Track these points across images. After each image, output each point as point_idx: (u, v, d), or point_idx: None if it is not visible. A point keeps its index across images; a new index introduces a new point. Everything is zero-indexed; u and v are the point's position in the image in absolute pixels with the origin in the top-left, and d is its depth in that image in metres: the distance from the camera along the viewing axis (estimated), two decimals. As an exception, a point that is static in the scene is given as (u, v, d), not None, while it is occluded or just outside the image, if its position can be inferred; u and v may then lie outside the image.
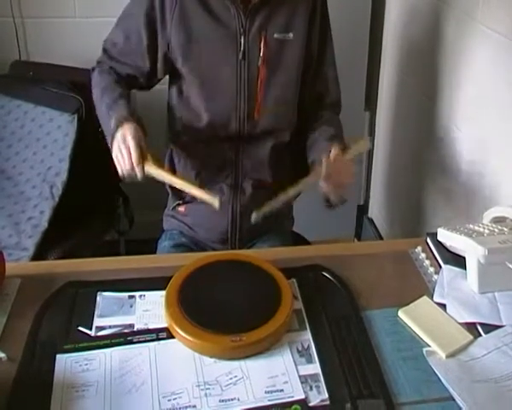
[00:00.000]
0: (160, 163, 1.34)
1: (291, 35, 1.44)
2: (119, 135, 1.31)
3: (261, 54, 1.43)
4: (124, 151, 1.29)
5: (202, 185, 1.43)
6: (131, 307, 1.14)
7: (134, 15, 1.45)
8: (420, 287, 1.22)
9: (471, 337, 1.07)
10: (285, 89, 1.48)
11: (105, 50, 1.52)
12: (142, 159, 1.29)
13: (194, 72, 1.44)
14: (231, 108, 1.45)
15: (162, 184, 1.62)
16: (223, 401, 0.95)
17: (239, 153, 1.52)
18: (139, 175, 1.29)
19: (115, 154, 1.32)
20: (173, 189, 1.61)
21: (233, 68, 1.43)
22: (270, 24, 1.43)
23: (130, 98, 1.46)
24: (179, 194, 1.60)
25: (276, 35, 1.43)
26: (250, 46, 1.43)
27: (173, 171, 1.61)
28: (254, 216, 1.27)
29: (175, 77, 1.51)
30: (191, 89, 1.46)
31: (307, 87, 1.53)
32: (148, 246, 1.61)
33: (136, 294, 1.17)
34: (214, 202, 1.18)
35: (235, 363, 1.02)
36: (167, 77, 1.55)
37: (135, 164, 1.28)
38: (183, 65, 1.45)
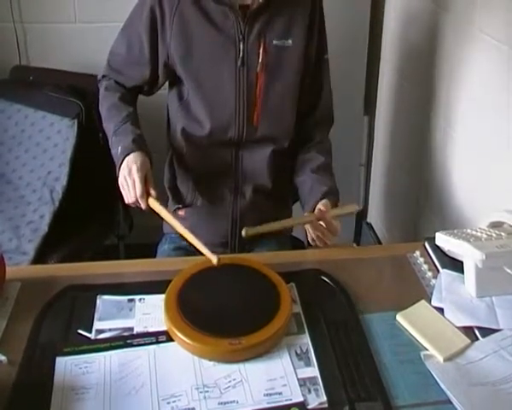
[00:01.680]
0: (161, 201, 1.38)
1: (290, 42, 1.45)
2: (125, 165, 1.35)
3: (260, 60, 1.44)
4: (129, 183, 1.33)
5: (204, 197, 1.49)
6: (131, 310, 1.15)
7: (136, 25, 1.47)
8: (418, 291, 1.22)
9: (468, 341, 1.08)
10: (284, 95, 1.49)
11: (109, 63, 1.55)
12: (147, 194, 1.33)
13: (194, 78, 1.45)
14: (231, 114, 1.46)
15: (162, 187, 1.63)
16: (222, 403, 0.96)
17: (239, 158, 1.52)
18: (143, 207, 1.33)
19: (121, 183, 1.36)
20: (173, 192, 1.62)
21: (232, 75, 1.44)
22: (269, 30, 1.44)
23: (136, 116, 1.49)
24: (179, 198, 1.61)
25: (275, 42, 1.44)
26: (249, 53, 1.43)
27: (173, 176, 1.62)
28: (244, 231, 1.28)
29: (174, 83, 1.52)
30: (190, 95, 1.47)
31: (304, 94, 1.54)
32: (147, 250, 1.61)
33: (136, 297, 1.18)
34: (213, 259, 1.20)
35: (234, 366, 1.02)
36: (167, 83, 1.56)
37: (139, 198, 1.32)
38: (183, 71, 1.45)
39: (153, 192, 1.34)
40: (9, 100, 2.09)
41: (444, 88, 1.89)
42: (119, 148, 1.38)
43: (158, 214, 1.34)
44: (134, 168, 1.33)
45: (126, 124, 1.43)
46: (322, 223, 1.35)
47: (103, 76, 1.57)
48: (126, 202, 1.36)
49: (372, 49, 2.47)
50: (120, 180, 1.36)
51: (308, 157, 1.55)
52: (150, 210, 1.34)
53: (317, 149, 1.56)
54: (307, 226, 1.39)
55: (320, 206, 1.37)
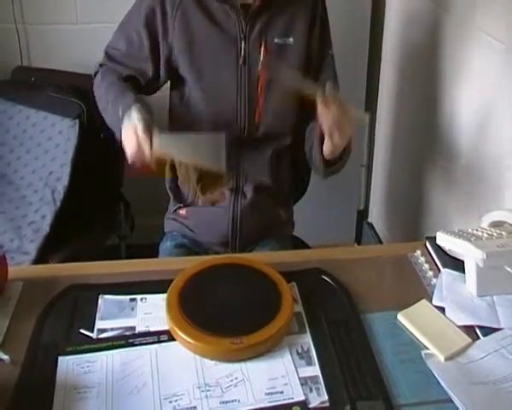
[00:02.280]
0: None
1: (291, 40, 1.46)
2: (126, 119, 1.30)
3: (261, 59, 1.44)
4: (130, 131, 1.28)
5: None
6: (133, 309, 1.15)
7: (135, 22, 1.47)
8: (419, 290, 1.22)
9: (469, 340, 1.08)
10: (285, 93, 1.49)
11: (107, 54, 1.53)
12: (151, 138, 1.27)
13: (195, 76, 1.46)
14: (232, 113, 1.47)
15: (163, 188, 1.64)
16: (223, 402, 0.96)
17: (240, 157, 1.53)
18: (146, 152, 1.26)
19: (124, 138, 1.30)
20: (174, 192, 1.62)
21: (234, 73, 1.44)
22: (271, 29, 1.44)
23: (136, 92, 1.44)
24: (180, 197, 1.61)
25: (276, 40, 1.45)
26: (250, 51, 1.44)
27: (175, 175, 1.63)
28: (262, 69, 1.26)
29: (176, 82, 1.52)
30: (192, 93, 1.48)
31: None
32: (149, 250, 1.61)
33: (138, 297, 1.18)
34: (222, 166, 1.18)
35: (236, 365, 1.03)
36: (169, 82, 1.56)
37: (141, 141, 1.26)
38: (185, 70, 1.46)
39: (156, 132, 1.28)
40: (11, 101, 2.10)
41: (444, 88, 1.90)
42: (120, 107, 1.33)
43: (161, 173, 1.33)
44: (134, 115, 1.27)
45: (126, 92, 1.39)
46: None
47: (100, 65, 1.54)
48: (130, 158, 1.30)
49: (373, 50, 2.47)
50: (124, 135, 1.30)
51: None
52: (153, 156, 1.27)
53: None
54: (321, 109, 1.27)
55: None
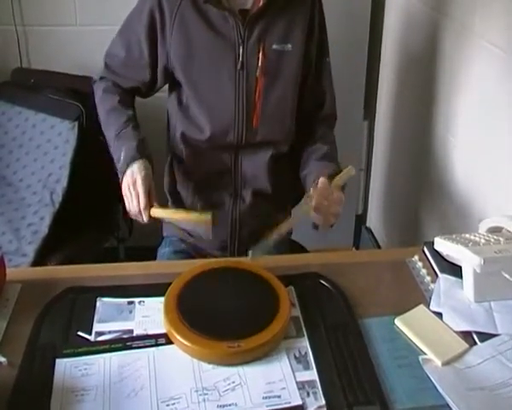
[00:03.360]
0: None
1: (289, 46, 1.46)
2: (129, 174, 1.36)
3: (259, 64, 1.44)
4: (133, 195, 1.34)
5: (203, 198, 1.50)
6: (131, 312, 1.15)
7: (134, 28, 1.47)
8: (416, 296, 1.22)
9: (467, 346, 1.08)
10: (283, 99, 1.49)
11: (106, 65, 1.55)
12: (150, 205, 1.34)
13: (193, 82, 1.46)
14: (230, 118, 1.47)
15: (162, 191, 1.64)
16: (220, 406, 0.96)
17: (238, 162, 1.53)
18: (145, 219, 1.34)
19: (124, 192, 1.37)
20: (173, 196, 1.62)
21: (231, 79, 1.44)
22: (269, 35, 1.44)
23: (136, 119, 1.50)
24: (179, 201, 1.61)
25: (274, 46, 1.45)
26: (248, 57, 1.44)
27: (173, 180, 1.63)
28: (251, 254, 1.28)
29: (174, 86, 1.52)
30: (190, 98, 1.48)
31: (304, 98, 1.55)
32: (147, 253, 1.61)
33: (136, 300, 1.18)
34: (207, 217, 1.27)
35: (233, 369, 1.03)
36: (167, 86, 1.56)
37: (142, 211, 1.33)
38: (183, 75, 1.46)
39: (155, 203, 1.35)
40: (10, 102, 2.10)
41: (443, 93, 1.90)
42: (122, 153, 1.38)
43: (160, 220, 1.38)
44: (138, 180, 1.34)
45: (128, 128, 1.44)
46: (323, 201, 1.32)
47: (101, 78, 1.57)
48: (128, 211, 1.38)
49: (372, 55, 2.47)
50: (124, 189, 1.37)
51: (312, 149, 1.54)
52: (152, 219, 1.35)
53: (321, 141, 1.55)
54: (312, 215, 1.34)
55: (316, 184, 1.33)
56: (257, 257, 1.28)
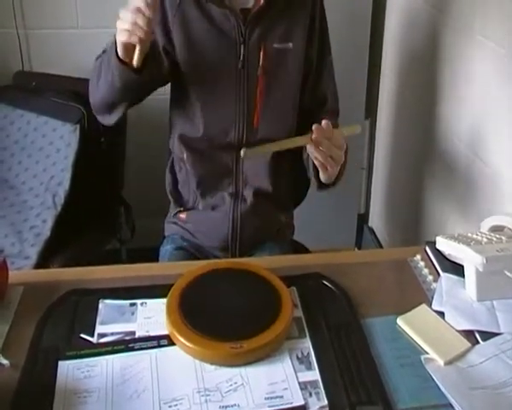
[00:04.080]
0: None
1: (290, 45, 1.46)
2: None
3: (260, 63, 1.45)
4: (123, 12, 1.19)
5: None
6: (133, 314, 1.15)
7: None
8: (419, 295, 1.22)
9: (469, 345, 1.08)
10: (284, 98, 1.49)
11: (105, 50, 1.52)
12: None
13: (194, 80, 1.46)
14: (231, 117, 1.47)
15: (164, 191, 1.64)
16: (223, 407, 0.96)
17: (239, 161, 1.53)
18: (146, 13, 1.17)
19: (117, 25, 1.21)
20: (175, 196, 1.63)
21: (232, 77, 1.45)
22: (270, 34, 1.44)
23: None
24: (180, 202, 1.62)
25: (275, 45, 1.45)
26: (250, 55, 1.44)
27: (175, 180, 1.63)
28: (243, 152, 1.26)
29: (176, 86, 1.52)
30: (191, 98, 1.48)
31: (306, 96, 1.55)
32: (149, 254, 1.62)
33: (138, 301, 1.18)
34: None
35: (236, 370, 1.03)
36: (168, 86, 1.56)
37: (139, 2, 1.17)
38: (184, 73, 1.46)
39: None
40: (12, 105, 2.11)
41: (444, 92, 1.90)
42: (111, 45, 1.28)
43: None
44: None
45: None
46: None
47: (97, 58, 1.47)
48: (125, 36, 1.21)
49: (373, 54, 2.47)
50: (117, 23, 1.21)
51: None
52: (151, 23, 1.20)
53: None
54: (310, 150, 1.29)
55: (323, 121, 1.28)
56: (248, 155, 1.27)
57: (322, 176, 1.42)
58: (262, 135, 1.50)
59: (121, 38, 1.23)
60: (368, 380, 1.01)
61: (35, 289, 1.22)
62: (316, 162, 1.32)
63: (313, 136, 1.26)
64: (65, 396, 0.97)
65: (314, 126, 1.26)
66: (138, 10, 1.18)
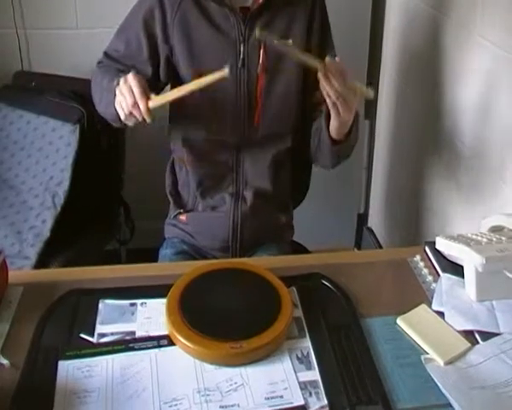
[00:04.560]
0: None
1: (290, 42, 1.46)
2: (121, 81, 1.29)
3: (260, 61, 1.45)
4: (125, 90, 1.27)
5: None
6: (133, 314, 1.15)
7: (133, 26, 1.47)
8: (418, 295, 1.22)
9: (469, 345, 1.08)
10: (285, 95, 1.49)
11: (106, 54, 1.53)
12: (146, 95, 1.26)
13: (195, 80, 1.46)
14: (232, 116, 1.47)
15: (164, 192, 1.64)
16: (223, 407, 0.96)
17: (240, 160, 1.53)
18: (143, 108, 1.26)
19: (117, 98, 1.30)
20: (175, 197, 1.63)
21: (233, 76, 1.44)
22: (270, 32, 1.44)
23: None
24: (180, 203, 1.61)
25: (275, 42, 1.45)
26: (250, 54, 1.44)
27: (175, 180, 1.63)
28: (258, 31, 1.26)
29: (175, 84, 1.52)
30: (191, 97, 1.47)
31: (308, 94, 1.54)
32: (149, 255, 1.62)
33: (138, 301, 1.18)
34: (224, 72, 1.16)
35: (236, 369, 1.03)
36: (168, 86, 1.56)
37: (138, 98, 1.25)
38: (184, 73, 1.46)
39: (151, 95, 1.27)
40: (12, 105, 2.10)
41: (444, 92, 1.90)
42: (115, 81, 1.32)
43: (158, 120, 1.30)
44: (130, 76, 1.27)
45: (122, 73, 1.36)
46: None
47: (98, 63, 1.54)
48: (123, 117, 1.30)
49: (373, 54, 2.47)
50: (117, 96, 1.30)
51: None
52: (149, 112, 1.26)
53: None
54: (322, 83, 1.25)
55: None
56: (263, 37, 1.26)
57: (333, 124, 1.36)
58: (263, 133, 1.50)
59: (120, 114, 1.31)
60: (368, 380, 1.01)
61: (35, 290, 1.22)
62: (327, 100, 1.29)
63: (326, 62, 1.23)
64: (65, 396, 0.97)
65: (327, 58, 1.24)
66: (133, 105, 1.26)
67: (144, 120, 1.29)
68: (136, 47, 1.47)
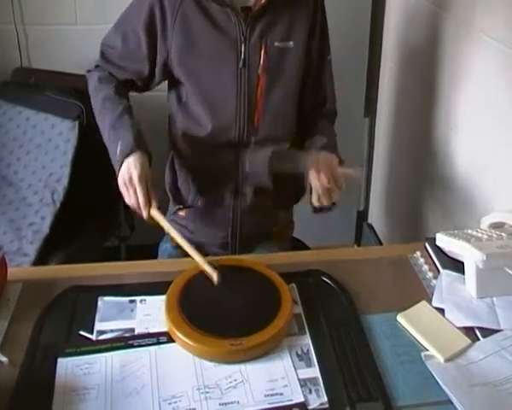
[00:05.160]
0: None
1: (291, 43, 1.45)
2: (125, 169, 1.32)
3: (261, 62, 1.44)
4: (131, 191, 1.31)
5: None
6: (132, 311, 1.15)
7: (132, 21, 1.46)
8: (419, 292, 1.22)
9: (469, 341, 1.08)
10: (285, 96, 1.49)
11: (103, 54, 1.52)
12: (149, 203, 1.31)
13: (194, 79, 1.45)
14: (231, 115, 1.46)
15: (163, 188, 1.64)
16: (223, 404, 0.96)
17: (239, 159, 1.52)
18: (145, 216, 1.31)
19: (121, 186, 1.34)
20: (174, 193, 1.62)
21: (233, 76, 1.44)
22: (271, 32, 1.44)
23: (131, 109, 1.46)
24: (180, 199, 1.61)
25: (276, 43, 1.44)
26: (250, 54, 1.44)
27: (174, 177, 1.63)
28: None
29: (174, 84, 1.52)
30: (191, 96, 1.47)
31: (306, 96, 1.54)
32: (148, 251, 1.62)
33: (137, 298, 1.18)
34: (213, 276, 1.18)
35: (235, 367, 1.03)
36: (166, 83, 1.56)
37: (142, 208, 1.30)
38: (184, 72, 1.45)
39: (154, 203, 1.32)
40: (11, 102, 2.10)
41: (444, 89, 1.90)
42: (119, 146, 1.36)
43: (158, 223, 1.33)
44: (135, 176, 1.31)
45: (124, 118, 1.41)
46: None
47: (96, 66, 1.54)
48: (127, 203, 1.35)
49: (373, 51, 2.47)
50: (120, 183, 1.34)
51: (312, 140, 1.53)
52: (151, 219, 1.32)
53: (321, 133, 1.54)
54: (312, 176, 1.34)
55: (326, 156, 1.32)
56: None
57: (314, 201, 1.41)
58: (263, 133, 1.49)
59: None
60: (368, 377, 1.01)
61: (34, 286, 1.21)
62: (313, 191, 1.36)
63: (318, 158, 1.32)
64: (64, 393, 0.97)
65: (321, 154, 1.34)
66: (138, 208, 1.31)
67: None
68: (135, 44, 1.46)
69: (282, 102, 1.49)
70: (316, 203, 1.39)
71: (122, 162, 1.34)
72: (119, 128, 1.39)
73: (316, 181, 1.34)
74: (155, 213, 1.31)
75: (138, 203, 1.31)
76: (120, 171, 1.34)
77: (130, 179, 1.31)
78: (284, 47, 1.45)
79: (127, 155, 1.33)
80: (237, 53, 1.43)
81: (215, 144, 1.50)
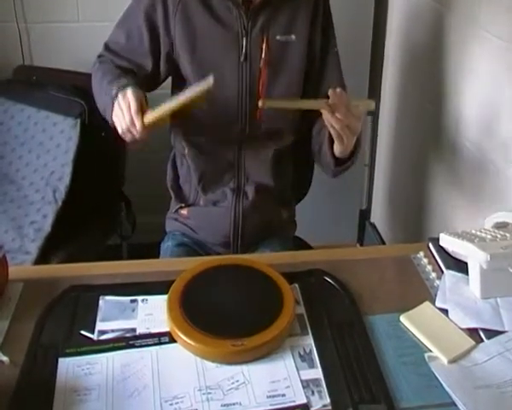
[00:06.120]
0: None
1: (293, 37, 1.45)
2: (120, 96, 1.30)
3: (263, 56, 1.43)
4: (123, 106, 1.28)
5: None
6: (133, 311, 1.14)
7: (135, 17, 1.46)
8: (422, 292, 1.21)
9: (473, 343, 1.07)
10: (287, 90, 1.48)
11: (107, 46, 1.52)
12: (142, 111, 1.27)
13: (196, 73, 1.45)
14: (233, 110, 1.46)
15: (165, 186, 1.63)
16: (224, 405, 0.95)
17: (241, 155, 1.52)
18: (138, 126, 1.26)
19: (115, 112, 1.31)
20: (176, 192, 1.62)
21: (235, 70, 1.43)
22: (272, 26, 1.43)
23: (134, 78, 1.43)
24: (182, 197, 1.61)
25: (278, 37, 1.44)
26: (252, 48, 1.43)
27: (176, 175, 1.62)
28: (261, 103, 1.26)
29: (177, 78, 1.51)
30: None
31: (311, 89, 1.53)
32: (150, 250, 1.61)
33: (139, 298, 1.17)
34: (208, 81, 1.16)
35: (237, 367, 1.02)
36: (169, 81, 1.55)
37: (134, 115, 1.26)
38: (186, 66, 1.45)
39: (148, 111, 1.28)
40: (13, 100, 2.10)
41: (447, 87, 1.89)
42: (114, 88, 1.34)
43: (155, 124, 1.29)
44: (129, 92, 1.28)
45: (124, 76, 1.39)
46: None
47: (99, 56, 1.53)
48: (120, 131, 1.31)
49: (375, 50, 2.46)
50: (115, 110, 1.31)
51: (320, 135, 1.51)
52: (146, 129, 1.27)
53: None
54: (326, 117, 1.27)
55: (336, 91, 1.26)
56: (265, 106, 1.27)
57: (337, 148, 1.38)
58: (265, 127, 1.48)
59: (118, 128, 1.31)
60: (370, 378, 1.00)
61: (35, 285, 1.21)
62: (332, 131, 1.30)
63: (330, 100, 1.24)
64: (65, 394, 0.96)
65: (330, 91, 1.24)
66: (130, 122, 1.27)
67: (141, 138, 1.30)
68: (138, 39, 1.46)
69: (284, 95, 1.48)
70: (339, 147, 1.36)
71: (118, 94, 1.31)
72: (116, 81, 1.37)
73: (332, 120, 1.27)
74: (149, 115, 1.27)
75: (131, 115, 1.27)
76: (116, 100, 1.31)
77: (124, 96, 1.29)
78: (286, 41, 1.44)
79: (123, 89, 1.31)
80: (239, 46, 1.43)
81: (217, 141, 1.50)
